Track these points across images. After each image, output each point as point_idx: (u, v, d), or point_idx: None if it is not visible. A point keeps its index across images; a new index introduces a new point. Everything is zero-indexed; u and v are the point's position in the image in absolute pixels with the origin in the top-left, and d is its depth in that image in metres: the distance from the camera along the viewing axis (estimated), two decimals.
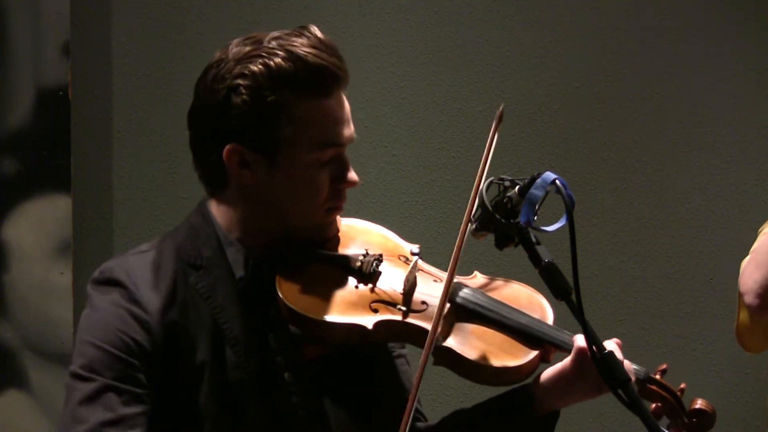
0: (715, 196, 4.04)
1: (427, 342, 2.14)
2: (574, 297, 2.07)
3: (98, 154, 3.84)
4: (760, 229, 2.91)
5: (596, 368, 2.07)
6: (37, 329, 3.75)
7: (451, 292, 2.24)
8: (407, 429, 2.09)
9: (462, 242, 2.15)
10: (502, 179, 2.14)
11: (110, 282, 2.19)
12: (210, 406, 2.16)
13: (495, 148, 2.20)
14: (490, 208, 2.10)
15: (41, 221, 3.76)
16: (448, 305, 2.22)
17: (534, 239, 2.10)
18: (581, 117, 4.01)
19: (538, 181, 2.08)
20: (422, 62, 3.96)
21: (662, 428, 2.02)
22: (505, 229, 2.11)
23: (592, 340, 2.06)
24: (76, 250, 3.79)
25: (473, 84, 3.98)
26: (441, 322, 2.18)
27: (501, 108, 2.21)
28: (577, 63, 4.00)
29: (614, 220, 4.03)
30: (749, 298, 2.71)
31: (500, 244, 2.13)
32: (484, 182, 2.15)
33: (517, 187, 2.11)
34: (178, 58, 3.86)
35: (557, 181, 2.07)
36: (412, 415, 2.11)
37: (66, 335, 3.74)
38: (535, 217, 2.08)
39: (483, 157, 2.19)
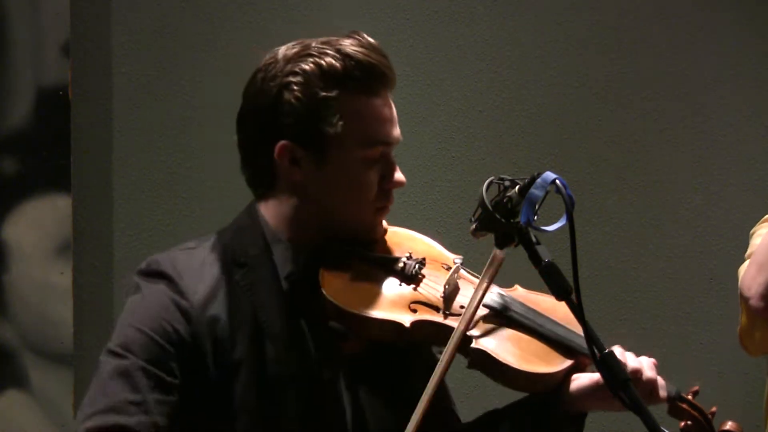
0: (715, 196, 4.04)
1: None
2: (574, 297, 2.07)
3: (98, 154, 3.84)
4: (751, 232, 2.90)
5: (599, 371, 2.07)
6: (37, 329, 3.75)
7: (490, 298, 2.27)
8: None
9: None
10: (502, 179, 2.14)
11: (158, 274, 2.23)
12: (248, 400, 2.18)
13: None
14: (490, 208, 2.10)
15: (41, 221, 3.76)
16: (485, 311, 2.25)
17: (534, 239, 2.10)
18: (581, 117, 4.01)
19: (538, 181, 2.08)
20: (422, 62, 3.96)
21: (662, 429, 2.02)
22: (505, 229, 2.11)
23: (592, 340, 2.06)
24: (76, 250, 3.79)
25: (473, 84, 3.98)
26: (476, 326, 2.21)
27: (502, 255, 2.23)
28: (577, 63, 4.00)
29: (614, 220, 4.03)
30: (755, 302, 2.70)
31: (500, 244, 2.13)
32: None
33: (517, 187, 2.11)
34: (178, 58, 3.86)
35: (557, 181, 2.07)
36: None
37: (66, 335, 3.74)
38: (535, 217, 2.08)
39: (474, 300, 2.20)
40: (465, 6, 3.97)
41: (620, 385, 2.03)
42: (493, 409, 2.37)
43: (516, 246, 2.12)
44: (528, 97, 4.00)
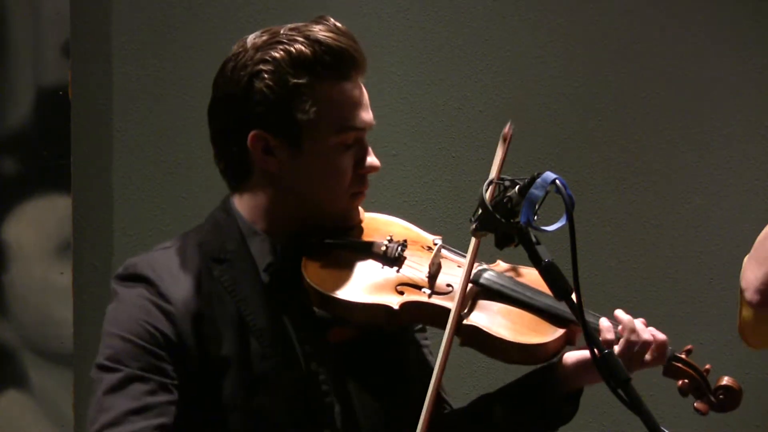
0: (715, 196, 4.04)
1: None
2: (574, 297, 2.07)
3: (98, 154, 3.84)
4: None
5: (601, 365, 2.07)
6: (37, 329, 3.75)
7: (475, 274, 2.28)
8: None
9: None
10: (502, 179, 2.14)
11: (135, 277, 2.22)
12: (236, 398, 2.18)
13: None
14: (490, 208, 2.10)
15: (41, 221, 3.76)
16: (473, 287, 2.26)
17: (534, 239, 2.10)
18: (581, 117, 4.01)
19: (538, 181, 2.07)
20: (422, 62, 3.96)
21: (663, 428, 2.02)
22: (505, 229, 2.11)
23: (592, 339, 2.06)
24: (76, 250, 3.79)
25: (473, 84, 3.98)
26: (465, 303, 2.22)
27: (508, 127, 2.23)
28: (577, 63, 4.00)
29: (614, 220, 4.02)
30: (749, 294, 2.71)
31: (500, 244, 2.13)
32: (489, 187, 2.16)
33: (517, 187, 2.11)
34: (178, 58, 3.86)
35: (557, 181, 2.07)
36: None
37: (66, 335, 3.74)
38: (535, 217, 2.08)
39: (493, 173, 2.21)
40: (465, 6, 3.97)
41: (621, 385, 2.03)
42: (486, 394, 2.37)
43: (516, 246, 2.12)
44: (528, 97, 4.00)
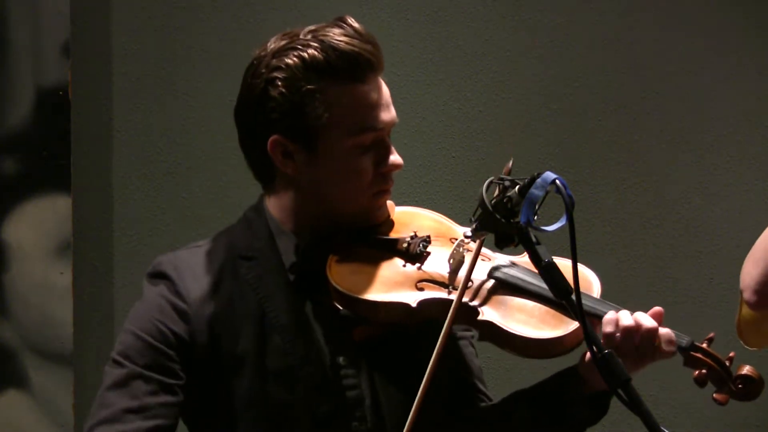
0: (715, 196, 4.04)
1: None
2: (574, 297, 2.07)
3: (98, 154, 3.84)
4: None
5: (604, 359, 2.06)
6: (37, 329, 3.75)
7: (492, 268, 2.28)
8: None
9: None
10: (502, 179, 2.14)
11: (159, 275, 2.27)
12: (253, 392, 2.20)
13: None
14: (490, 208, 2.10)
15: (41, 221, 3.76)
16: (491, 282, 2.26)
17: (534, 239, 2.10)
18: (581, 117, 4.01)
19: (538, 181, 2.08)
20: (422, 62, 3.96)
21: (663, 428, 2.02)
22: (505, 229, 2.11)
23: (592, 340, 2.06)
24: (76, 250, 3.79)
25: (473, 84, 3.98)
26: (481, 297, 2.22)
27: (510, 164, 2.23)
28: (577, 63, 4.00)
29: (614, 220, 4.02)
30: (747, 294, 2.73)
31: (500, 244, 2.13)
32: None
33: (517, 187, 2.11)
34: (178, 59, 3.86)
35: (557, 181, 2.07)
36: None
37: (66, 335, 3.74)
38: (535, 217, 2.08)
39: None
40: (465, 6, 3.97)
41: (621, 385, 2.03)
42: (516, 391, 2.38)
43: (516, 246, 2.12)
44: (528, 96, 4.00)
